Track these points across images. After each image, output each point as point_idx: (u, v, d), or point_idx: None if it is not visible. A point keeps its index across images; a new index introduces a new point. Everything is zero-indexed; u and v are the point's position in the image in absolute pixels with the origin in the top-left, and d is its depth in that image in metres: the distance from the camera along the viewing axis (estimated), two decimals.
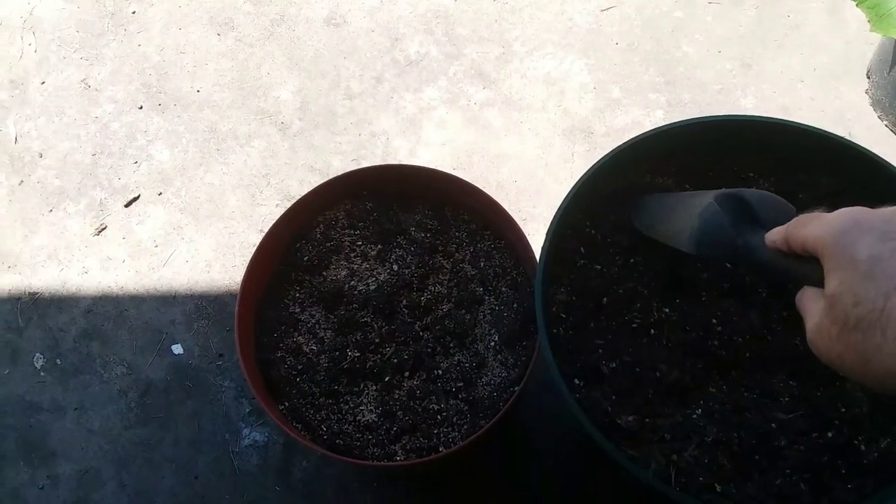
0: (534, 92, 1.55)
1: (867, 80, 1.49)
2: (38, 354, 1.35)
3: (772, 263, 0.60)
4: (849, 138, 0.90)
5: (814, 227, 0.52)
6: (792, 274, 0.57)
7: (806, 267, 0.55)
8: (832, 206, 0.90)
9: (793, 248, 0.56)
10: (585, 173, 0.94)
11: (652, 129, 0.96)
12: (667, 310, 0.90)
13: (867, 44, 1.52)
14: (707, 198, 0.71)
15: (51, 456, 1.25)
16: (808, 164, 0.95)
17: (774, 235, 0.59)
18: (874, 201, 0.89)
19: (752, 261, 0.64)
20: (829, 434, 0.80)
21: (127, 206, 1.48)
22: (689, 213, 0.73)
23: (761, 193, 0.69)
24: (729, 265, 0.86)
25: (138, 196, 1.49)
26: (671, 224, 0.78)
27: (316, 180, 1.45)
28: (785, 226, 0.58)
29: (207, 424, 1.25)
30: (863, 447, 0.79)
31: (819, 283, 0.51)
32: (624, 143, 0.95)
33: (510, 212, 1.05)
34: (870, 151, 0.88)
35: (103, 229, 1.46)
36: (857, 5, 1.12)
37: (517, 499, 1.16)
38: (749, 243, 0.64)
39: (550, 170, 1.45)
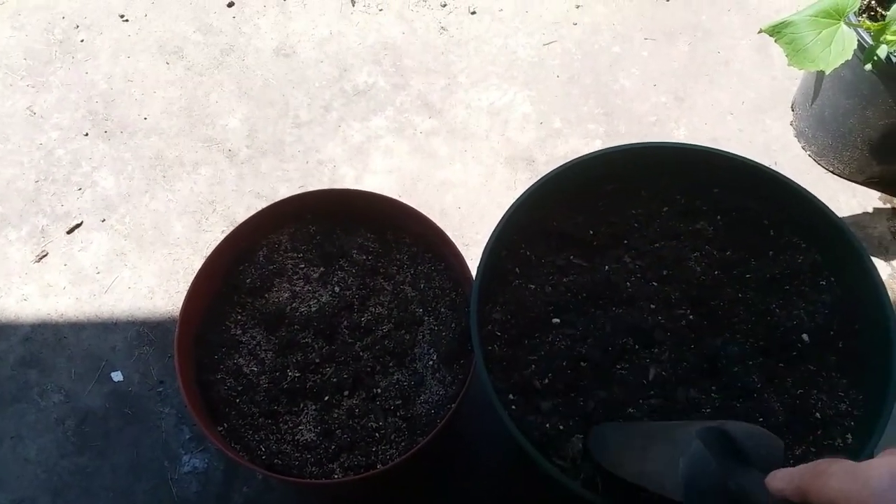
0: (478, 122, 1.59)
1: (792, 112, 1.57)
2: None
3: None
4: (774, 167, 0.97)
5: (843, 483, 0.45)
6: None
7: None
8: (756, 228, 0.96)
9: (812, 502, 0.47)
10: (520, 196, 0.98)
11: (585, 155, 1.00)
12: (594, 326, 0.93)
13: (791, 79, 1.61)
14: (687, 434, 0.64)
15: None
16: (733, 187, 1.01)
17: (781, 483, 0.51)
18: (790, 223, 0.95)
19: None
20: None
21: (69, 232, 1.47)
22: (668, 453, 0.66)
23: (746, 427, 0.64)
24: None
25: (81, 223, 1.48)
26: (647, 465, 0.71)
27: (263, 207, 1.46)
28: (796, 473, 0.50)
29: (146, 452, 1.24)
30: None
31: None
32: (558, 168, 0.99)
33: (454, 237, 1.08)
34: (789, 179, 0.96)
35: (44, 256, 1.44)
36: (775, 41, 1.19)
37: None
38: (744, 487, 0.58)
39: (493, 197, 1.48)
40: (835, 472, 0.45)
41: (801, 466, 0.49)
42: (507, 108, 1.61)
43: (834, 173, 1.49)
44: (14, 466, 1.24)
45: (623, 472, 0.76)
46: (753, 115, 1.58)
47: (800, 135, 1.53)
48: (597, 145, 1.54)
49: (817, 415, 0.85)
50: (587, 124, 1.58)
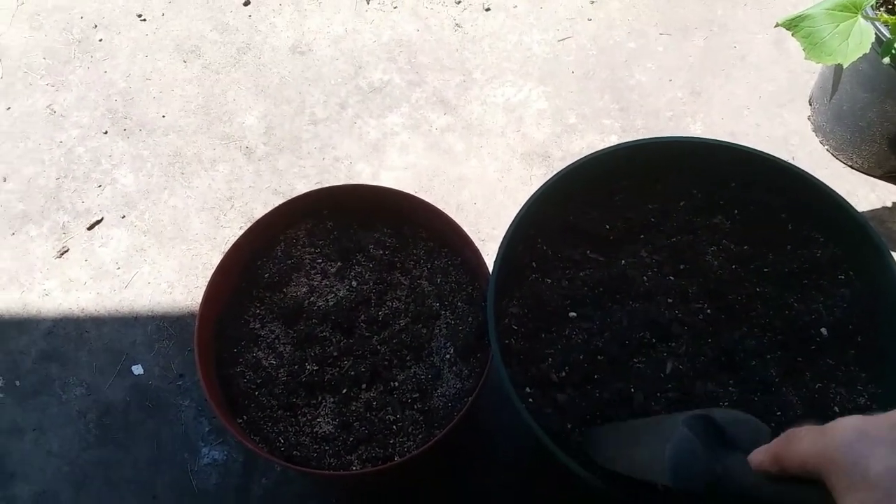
0: (493, 118, 1.60)
1: (809, 107, 1.56)
2: None
3: (760, 490, 0.53)
4: (792, 162, 0.96)
5: (812, 443, 0.46)
6: (787, 500, 0.51)
7: (804, 491, 0.48)
8: (774, 222, 0.96)
9: (787, 468, 0.49)
10: (536, 192, 0.98)
11: (600, 150, 1.00)
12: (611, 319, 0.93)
13: (809, 73, 1.60)
14: (673, 423, 0.65)
15: (8, 477, 1.24)
16: (750, 182, 1.00)
17: (760, 456, 0.52)
18: (808, 217, 0.95)
19: (736, 487, 0.57)
20: None
21: (90, 228, 1.49)
22: (657, 441, 0.66)
23: (730, 413, 0.64)
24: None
25: (101, 219, 1.50)
26: (637, 456, 0.72)
27: (280, 203, 1.47)
28: (772, 443, 0.51)
29: (167, 444, 1.25)
30: None
31: None
32: (573, 163, 0.99)
33: (470, 233, 1.08)
34: (808, 173, 0.95)
35: (65, 252, 1.46)
36: (792, 35, 1.18)
37: None
38: (729, 468, 0.58)
39: (509, 192, 1.49)
40: (804, 435, 0.47)
41: (776, 438, 0.51)
42: (523, 104, 1.62)
43: (853, 167, 1.48)
44: (37, 459, 1.26)
45: (616, 466, 0.77)
46: (771, 109, 1.57)
47: (818, 129, 1.52)
48: (612, 140, 1.54)
49: (836, 409, 0.85)
50: (603, 119, 1.58)
